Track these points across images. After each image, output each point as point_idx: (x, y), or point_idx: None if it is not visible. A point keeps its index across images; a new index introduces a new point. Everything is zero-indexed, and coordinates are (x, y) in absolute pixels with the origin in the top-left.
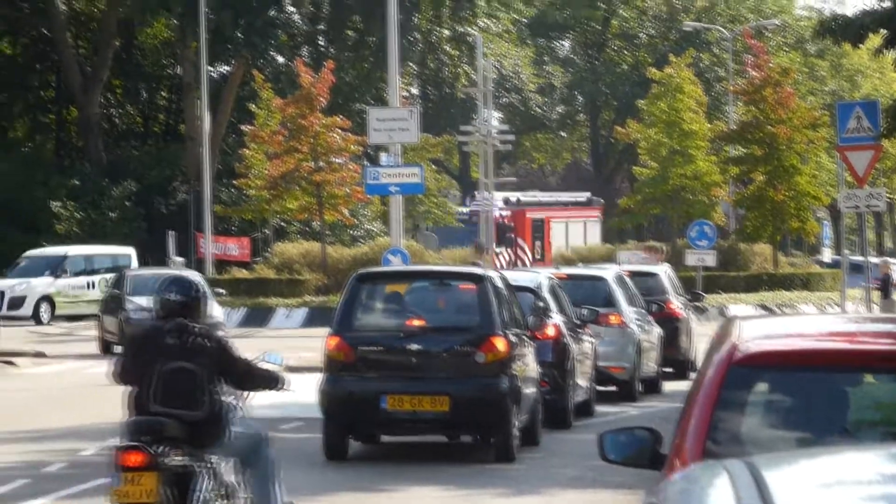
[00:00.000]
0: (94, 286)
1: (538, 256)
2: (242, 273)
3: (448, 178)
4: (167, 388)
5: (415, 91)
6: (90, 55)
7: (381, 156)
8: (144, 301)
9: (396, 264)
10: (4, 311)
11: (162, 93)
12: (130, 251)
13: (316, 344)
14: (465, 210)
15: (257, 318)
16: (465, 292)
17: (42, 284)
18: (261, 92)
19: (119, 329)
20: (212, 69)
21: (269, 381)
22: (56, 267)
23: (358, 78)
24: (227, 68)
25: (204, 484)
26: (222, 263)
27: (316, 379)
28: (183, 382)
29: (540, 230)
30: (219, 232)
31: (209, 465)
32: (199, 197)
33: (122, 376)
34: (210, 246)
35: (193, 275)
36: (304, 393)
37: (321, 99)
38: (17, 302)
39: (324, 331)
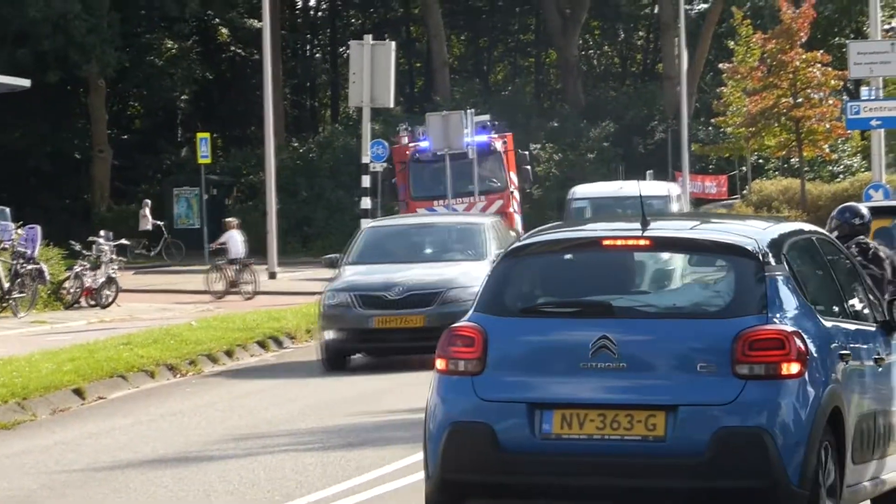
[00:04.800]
0: None
1: None
2: (720, 211)
3: None
4: None
5: None
6: None
7: (862, 89)
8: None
9: (878, 199)
10: None
11: (639, 33)
12: None
13: None
14: None
15: None
16: None
17: None
18: (739, 29)
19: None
20: (689, 7)
21: None
22: None
23: (838, 11)
24: (704, 5)
25: None
26: (700, 201)
27: None
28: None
29: None
30: (696, 170)
31: None
32: (677, 136)
33: None
34: (688, 184)
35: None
36: None
37: (801, 34)
38: None
39: None
